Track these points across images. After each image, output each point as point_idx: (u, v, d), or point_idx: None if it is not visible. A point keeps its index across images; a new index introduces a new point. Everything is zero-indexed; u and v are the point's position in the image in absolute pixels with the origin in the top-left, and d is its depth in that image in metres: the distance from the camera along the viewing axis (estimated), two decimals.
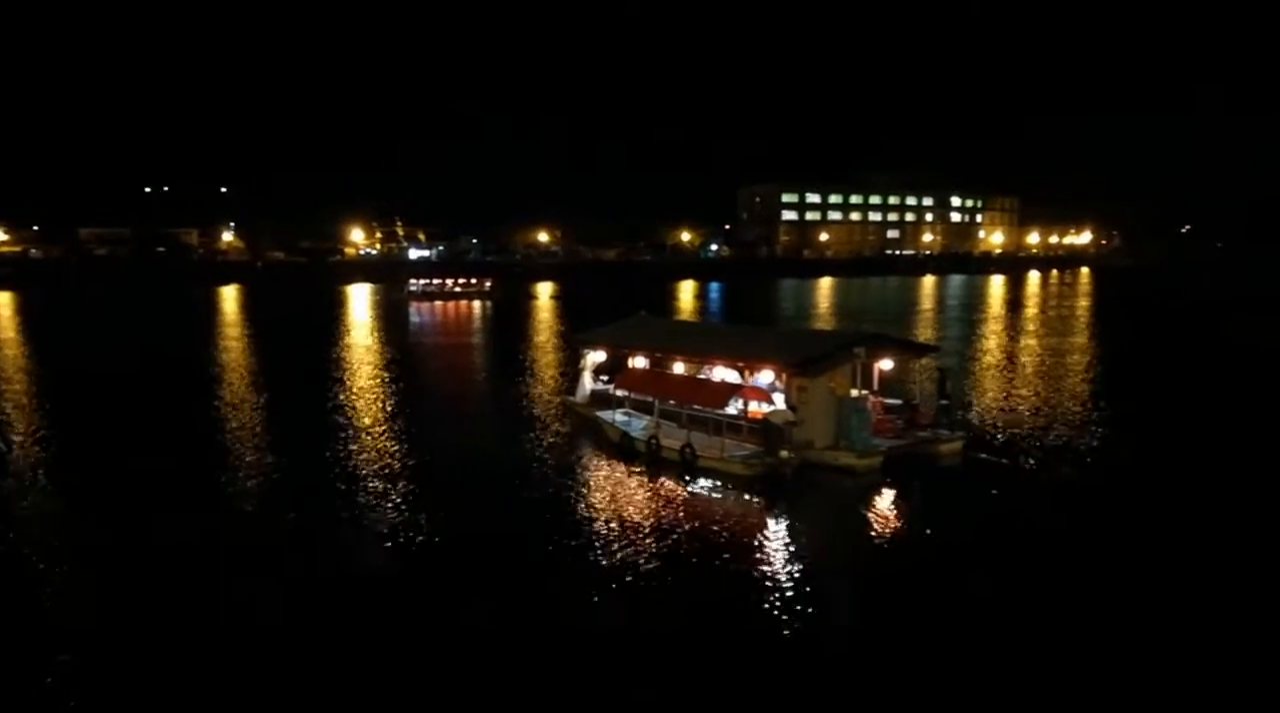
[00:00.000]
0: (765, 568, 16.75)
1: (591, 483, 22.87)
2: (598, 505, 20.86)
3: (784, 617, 14.60)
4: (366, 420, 30.62)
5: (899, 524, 19.83)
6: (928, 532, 19.03)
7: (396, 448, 26.43)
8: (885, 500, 21.26)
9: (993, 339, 56.10)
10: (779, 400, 24.86)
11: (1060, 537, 18.63)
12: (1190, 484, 22.70)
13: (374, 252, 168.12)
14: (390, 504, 20.77)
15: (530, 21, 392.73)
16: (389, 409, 32.95)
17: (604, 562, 17.09)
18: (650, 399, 26.78)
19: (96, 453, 26.26)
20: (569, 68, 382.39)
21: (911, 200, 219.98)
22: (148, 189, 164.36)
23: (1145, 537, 18.59)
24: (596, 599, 15.38)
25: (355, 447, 26.47)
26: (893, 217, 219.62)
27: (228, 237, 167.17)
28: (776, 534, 18.91)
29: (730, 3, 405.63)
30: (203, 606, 15.18)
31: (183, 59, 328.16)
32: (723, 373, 27.04)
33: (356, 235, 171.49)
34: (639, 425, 26.65)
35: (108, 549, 18.04)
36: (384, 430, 28.97)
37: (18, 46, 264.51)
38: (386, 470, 23.69)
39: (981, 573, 16.51)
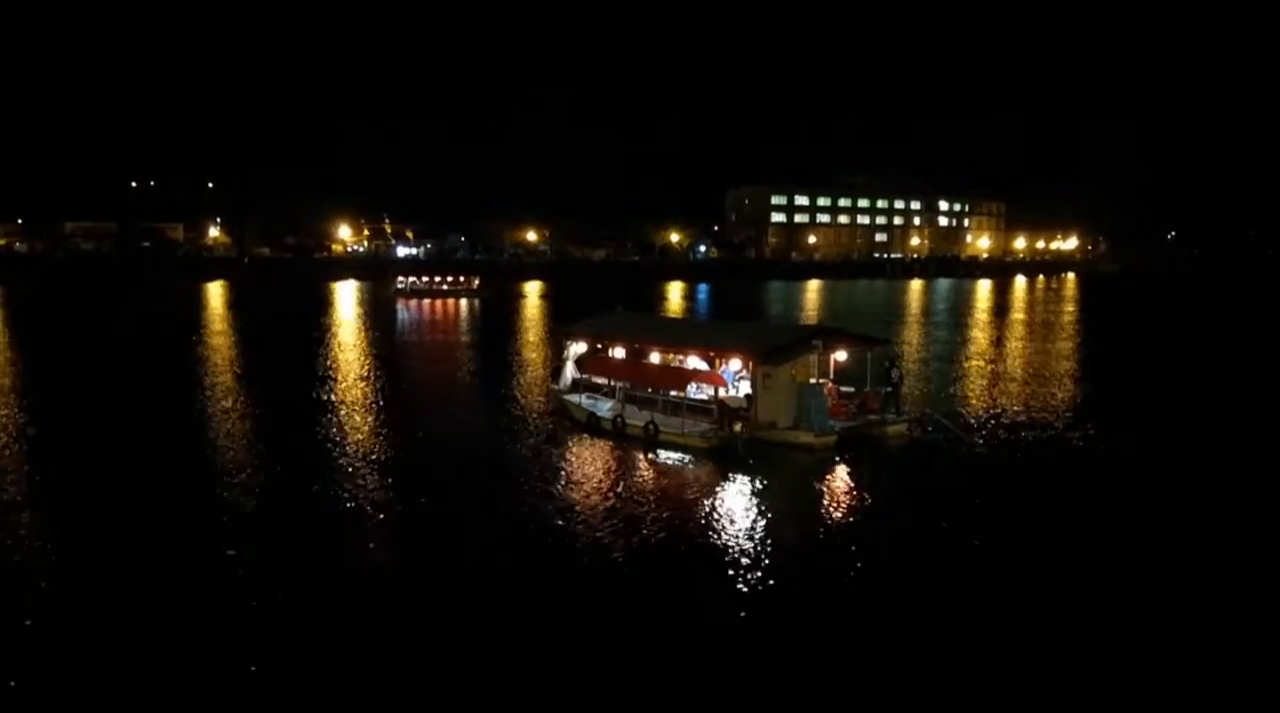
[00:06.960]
0: (732, 524, 19.11)
1: (570, 454, 25.55)
2: (575, 471, 23.66)
3: (749, 565, 16.64)
4: (354, 411, 31.73)
5: (849, 492, 22.44)
6: (873, 498, 21.61)
7: (384, 434, 27.80)
8: (838, 472, 23.63)
9: (976, 343, 56.60)
10: (744, 386, 27.19)
11: (989, 501, 20.97)
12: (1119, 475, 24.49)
13: (361, 249, 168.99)
14: (377, 484, 22.00)
15: (521, 21, 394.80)
16: (377, 400, 34.17)
17: (584, 516, 19.49)
18: (615, 384, 29.05)
19: (82, 445, 26.16)
20: (563, 69, 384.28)
21: (900, 203, 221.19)
22: (133, 183, 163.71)
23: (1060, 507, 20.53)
24: (576, 545, 17.71)
25: (340, 434, 27.56)
26: (880, 220, 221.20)
27: (214, 232, 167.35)
28: (740, 495, 21.53)
29: (722, 5, 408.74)
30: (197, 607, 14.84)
31: (167, 50, 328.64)
32: (695, 362, 28.97)
33: (344, 232, 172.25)
34: (604, 407, 28.63)
35: (94, 543, 17.74)
36: (371, 419, 30.27)
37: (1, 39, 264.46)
38: (373, 455, 24.95)
39: (918, 534, 18.52)
